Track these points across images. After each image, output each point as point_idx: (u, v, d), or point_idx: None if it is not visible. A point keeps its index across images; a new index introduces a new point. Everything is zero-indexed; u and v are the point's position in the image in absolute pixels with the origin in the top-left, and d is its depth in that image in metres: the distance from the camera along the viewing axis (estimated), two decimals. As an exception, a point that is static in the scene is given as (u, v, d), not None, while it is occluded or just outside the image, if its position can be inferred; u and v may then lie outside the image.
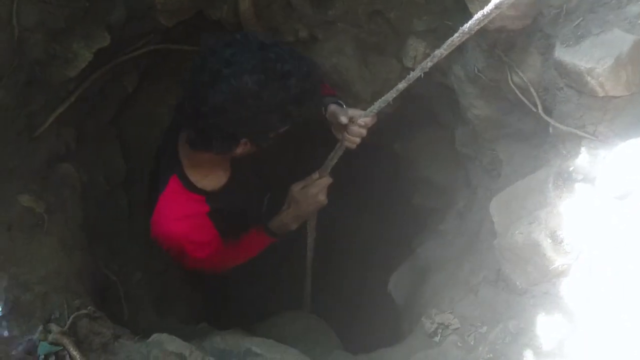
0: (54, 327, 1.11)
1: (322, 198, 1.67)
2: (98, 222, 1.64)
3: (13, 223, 1.29)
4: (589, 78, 1.09)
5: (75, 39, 1.43)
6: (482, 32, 1.35)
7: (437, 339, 1.46)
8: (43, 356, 1.01)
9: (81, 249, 1.45)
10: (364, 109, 1.49)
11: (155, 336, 1.31)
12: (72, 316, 1.15)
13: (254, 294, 2.23)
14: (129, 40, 1.72)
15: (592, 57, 1.08)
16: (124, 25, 1.58)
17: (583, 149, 1.17)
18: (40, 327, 1.06)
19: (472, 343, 1.33)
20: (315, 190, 1.65)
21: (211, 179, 1.63)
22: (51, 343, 1.03)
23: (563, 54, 1.14)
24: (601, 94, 1.09)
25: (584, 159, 1.16)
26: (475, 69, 1.48)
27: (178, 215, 1.55)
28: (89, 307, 1.23)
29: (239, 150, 1.48)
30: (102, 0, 1.49)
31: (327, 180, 1.66)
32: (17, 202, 1.33)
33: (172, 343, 1.29)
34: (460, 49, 1.53)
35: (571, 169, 1.18)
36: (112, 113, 1.80)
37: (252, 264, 2.28)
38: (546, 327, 1.12)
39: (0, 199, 1.29)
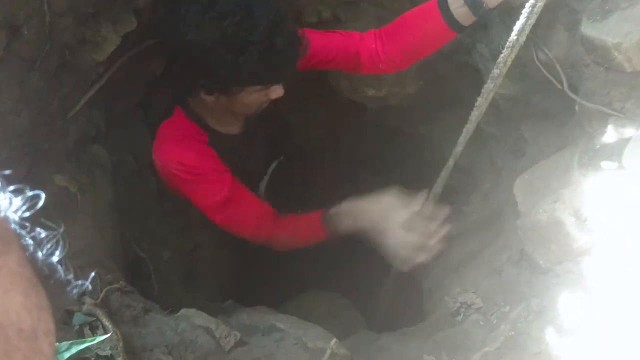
0: (87, 299, 1.17)
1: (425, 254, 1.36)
2: (128, 201, 1.69)
3: (49, 202, 1.34)
4: (616, 53, 1.06)
5: (104, 24, 1.46)
6: (506, 9, 1.33)
7: (459, 318, 1.47)
8: (78, 326, 1.06)
9: (112, 227, 1.51)
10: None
11: (183, 310, 1.36)
12: (104, 290, 1.21)
13: (281, 274, 2.27)
14: (156, 23, 1.75)
15: (619, 31, 1.06)
16: (151, 9, 1.61)
17: (609, 127, 1.15)
18: (73, 281, 1.11)
19: (494, 322, 1.34)
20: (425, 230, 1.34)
21: (220, 123, 1.58)
22: (85, 314, 1.08)
23: (590, 29, 1.12)
24: (629, 69, 1.07)
25: (610, 137, 1.14)
26: (500, 47, 1.46)
27: (171, 135, 1.52)
28: (120, 282, 1.28)
29: (207, 98, 1.43)
30: (129, -16, 1.52)
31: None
32: (52, 181, 1.39)
33: (199, 317, 1.34)
34: (485, 26, 1.51)
35: (597, 147, 1.17)
36: (140, 95, 1.84)
37: None
38: (569, 305, 1.12)
39: (36, 178, 1.34)
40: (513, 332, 1.19)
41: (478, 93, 1.81)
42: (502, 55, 1.09)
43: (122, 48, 1.56)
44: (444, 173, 1.38)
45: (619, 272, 1.03)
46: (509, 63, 1.11)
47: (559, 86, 1.28)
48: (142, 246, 1.71)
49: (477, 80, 1.70)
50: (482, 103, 1.21)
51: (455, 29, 1.36)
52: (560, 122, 1.39)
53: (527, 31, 1.06)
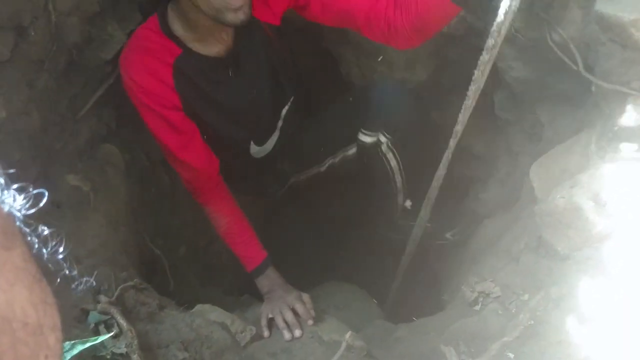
0: (102, 297, 1.17)
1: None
2: (142, 198, 1.70)
3: (62, 201, 1.36)
4: (633, 30, 1.02)
5: (109, 22, 1.46)
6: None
7: (477, 307, 1.45)
8: (93, 324, 1.07)
9: (126, 225, 1.52)
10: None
11: (198, 306, 1.37)
12: (119, 288, 1.21)
13: (297, 266, 2.27)
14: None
15: (636, 7, 1.01)
16: (155, 5, 1.60)
17: (628, 107, 1.11)
18: (77, 277, 1.12)
19: (513, 311, 1.31)
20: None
21: (200, 42, 1.42)
22: (100, 312, 1.09)
23: (605, 6, 1.08)
24: (647, 46, 1.03)
25: (629, 118, 1.10)
26: (513, 29, 1.42)
27: (137, 45, 1.41)
28: (135, 279, 1.29)
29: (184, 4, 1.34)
30: (133, -19, 1.52)
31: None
32: (65, 181, 1.40)
33: (214, 313, 1.35)
34: (496, 9, 1.47)
35: (615, 128, 1.12)
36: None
37: (296, 236, 2.30)
38: (589, 293, 1.09)
39: (49, 178, 1.35)
40: (532, 321, 1.17)
41: (490, 76, 1.77)
42: (495, 23, 1.05)
43: (129, 45, 1.56)
44: (447, 154, 1.35)
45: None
46: (503, 32, 1.06)
47: (574, 67, 1.23)
48: (157, 242, 1.72)
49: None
50: (479, 77, 1.17)
51: (458, 1, 1.33)
52: (577, 104, 1.35)
53: None
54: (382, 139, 1.72)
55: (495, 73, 1.68)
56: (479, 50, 1.67)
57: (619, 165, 1.10)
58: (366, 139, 1.73)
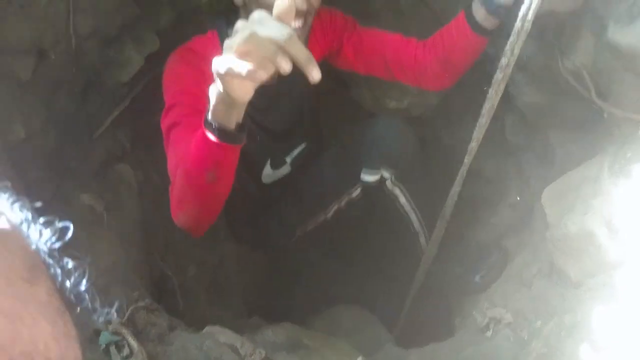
0: (114, 318, 1.17)
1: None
2: (153, 218, 1.71)
3: (76, 220, 1.37)
4: (645, 59, 1.03)
5: (127, 45, 1.50)
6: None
7: (489, 333, 1.43)
8: (104, 345, 1.07)
9: (138, 244, 1.53)
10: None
11: (208, 328, 1.36)
12: (130, 308, 1.21)
13: (306, 288, 2.26)
14: (177, 43, 1.78)
15: (648, 36, 1.02)
16: (172, 30, 1.64)
17: (641, 134, 1.11)
18: (99, 310, 1.12)
19: (525, 338, 1.30)
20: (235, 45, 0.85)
21: None
22: (111, 333, 1.09)
23: (617, 34, 1.08)
24: (659, 75, 1.03)
25: (642, 145, 1.10)
26: (524, 56, 1.43)
27: (192, 44, 1.39)
28: (146, 299, 1.29)
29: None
30: (152, 6, 1.56)
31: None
32: (80, 200, 1.42)
33: (224, 334, 1.34)
34: (508, 34, 1.49)
35: (628, 155, 1.12)
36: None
37: (305, 256, 2.26)
38: (604, 320, 1.07)
39: (64, 197, 1.37)
40: (545, 349, 1.15)
41: (502, 100, 1.78)
42: (509, 42, 1.07)
43: (146, 68, 1.59)
44: (462, 171, 1.36)
45: (656, 286, 0.99)
46: (516, 51, 1.08)
47: (586, 94, 1.24)
48: (168, 262, 1.73)
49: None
50: (493, 95, 1.18)
51: (479, 31, 1.36)
52: (589, 130, 1.35)
53: (531, 17, 1.03)
54: (386, 174, 1.66)
55: (506, 98, 1.69)
56: (491, 76, 1.69)
57: (631, 192, 1.09)
58: (369, 177, 1.67)
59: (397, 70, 1.54)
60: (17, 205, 0.38)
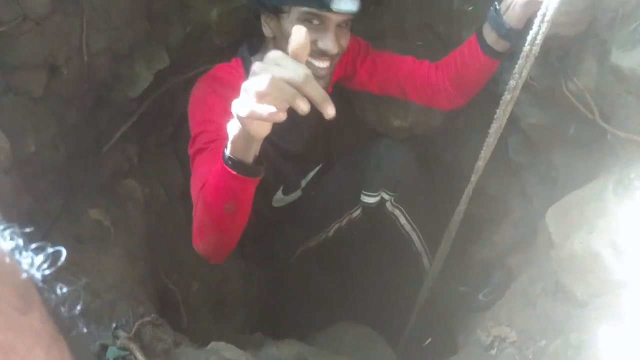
0: (121, 332, 1.18)
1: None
2: (158, 232, 1.71)
3: (84, 235, 1.38)
4: (649, 82, 1.05)
5: (137, 61, 1.52)
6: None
7: (493, 352, 1.43)
8: (112, 360, 1.07)
9: (144, 259, 1.53)
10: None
11: (213, 344, 1.36)
12: (137, 323, 1.21)
13: (310, 305, 2.25)
14: (185, 60, 1.81)
15: (651, 61, 1.05)
16: (181, 47, 1.67)
17: (645, 156, 1.13)
18: (110, 332, 1.13)
19: (530, 357, 1.30)
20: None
21: None
22: (119, 348, 1.09)
23: (620, 58, 1.11)
24: (662, 98, 1.06)
25: (646, 166, 1.12)
26: (529, 77, 1.46)
27: (217, 73, 1.41)
28: (152, 315, 1.29)
29: (266, 31, 1.36)
30: (162, 23, 1.59)
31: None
32: (87, 215, 1.43)
33: (229, 351, 1.34)
34: (512, 56, 1.52)
35: (632, 175, 1.14)
36: (171, 129, 1.89)
37: (308, 274, 2.26)
38: (610, 340, 1.08)
39: (72, 212, 1.38)
40: (551, 368, 1.15)
41: (506, 122, 1.80)
42: (517, 65, 1.09)
43: (155, 84, 1.61)
44: (468, 189, 1.37)
45: (662, 306, 1.00)
46: (524, 74, 1.11)
47: (589, 116, 1.26)
48: (172, 277, 1.73)
49: (504, 109, 1.69)
50: (500, 115, 1.20)
51: (490, 54, 1.40)
52: (592, 151, 1.37)
53: (539, 40, 1.06)
54: (386, 196, 1.68)
55: (510, 118, 1.71)
56: (494, 95, 1.72)
57: (636, 213, 1.11)
58: (368, 199, 1.69)
59: (410, 91, 1.58)
60: (7, 233, 0.38)
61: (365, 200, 1.69)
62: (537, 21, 1.08)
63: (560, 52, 1.32)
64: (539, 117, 1.51)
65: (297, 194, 1.82)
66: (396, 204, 1.69)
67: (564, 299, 1.26)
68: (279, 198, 1.78)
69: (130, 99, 1.57)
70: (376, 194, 1.67)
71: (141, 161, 1.71)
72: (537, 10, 1.11)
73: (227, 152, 1.01)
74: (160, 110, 1.81)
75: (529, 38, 1.07)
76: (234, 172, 1.02)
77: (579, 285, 1.19)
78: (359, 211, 1.77)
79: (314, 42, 1.29)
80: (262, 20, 1.37)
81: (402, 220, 1.72)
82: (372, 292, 2.21)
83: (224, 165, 1.02)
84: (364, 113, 2.15)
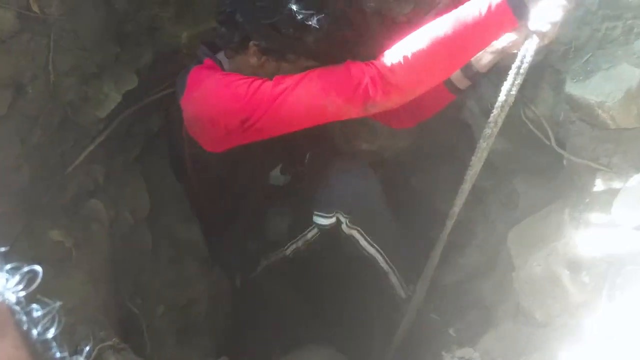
0: (79, 358, 1.14)
1: None
2: (123, 256, 1.68)
3: (43, 257, 1.34)
4: (599, 111, 1.11)
5: (106, 82, 1.51)
6: (495, 69, 1.40)
7: (458, 374, 1.45)
8: (70, 386, 1.03)
9: (107, 283, 1.49)
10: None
11: (177, 369, 1.33)
12: (97, 347, 1.18)
13: (275, 328, 2.23)
14: (154, 81, 1.81)
15: (602, 91, 1.11)
16: (151, 68, 1.66)
17: (598, 181, 1.18)
18: (67, 358, 1.09)
19: (493, 378, 1.32)
20: None
21: None
22: (78, 373, 1.06)
23: (574, 88, 1.17)
24: (613, 126, 1.12)
25: (599, 191, 1.17)
26: (489, 105, 1.52)
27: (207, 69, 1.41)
28: (113, 339, 1.26)
29: (252, 59, 1.35)
30: (132, 45, 1.58)
31: None
32: (48, 236, 1.39)
33: (193, 376, 1.31)
34: (474, 85, 1.58)
35: (587, 200, 1.19)
36: (138, 151, 1.87)
37: (270, 298, 2.25)
38: (569, 360, 1.11)
39: (32, 233, 1.34)
40: (513, 389, 1.17)
41: (469, 146, 1.86)
42: (492, 115, 1.14)
43: (122, 105, 1.60)
44: (443, 234, 1.39)
45: (616, 325, 1.04)
46: (499, 123, 1.16)
47: (546, 142, 1.32)
48: (136, 301, 1.69)
49: (468, 134, 1.75)
50: (475, 162, 1.24)
51: (452, 90, 1.47)
52: (551, 176, 1.43)
53: (514, 92, 1.11)
54: (341, 218, 1.65)
55: (473, 144, 1.77)
56: (458, 121, 1.78)
57: (591, 235, 1.16)
58: (323, 221, 1.66)
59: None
60: None
61: (319, 222, 1.67)
62: (512, 73, 1.13)
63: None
64: (501, 144, 1.56)
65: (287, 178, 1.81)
66: (353, 226, 1.66)
67: (525, 321, 1.29)
68: (276, 175, 1.75)
69: (98, 120, 1.55)
70: (330, 215, 1.64)
71: (107, 182, 1.68)
72: (505, 59, 1.17)
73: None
74: (129, 131, 1.79)
75: (503, 89, 1.12)
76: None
77: (538, 306, 1.22)
78: (314, 232, 1.75)
79: None
80: (252, 49, 1.35)
81: (363, 242, 1.69)
82: (338, 313, 2.21)
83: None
84: (332, 134, 2.18)
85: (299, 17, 1.21)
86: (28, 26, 1.24)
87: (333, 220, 1.64)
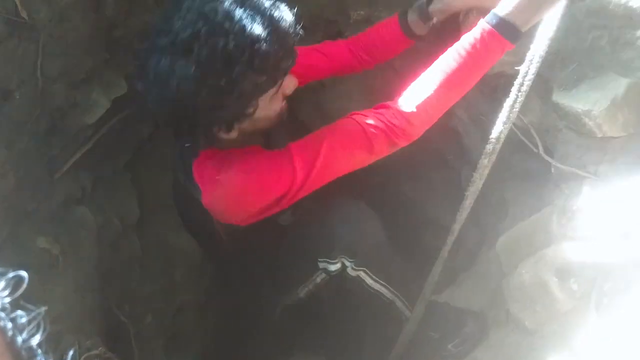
0: (65, 367, 1.12)
1: None
2: (111, 263, 1.66)
3: (29, 264, 1.32)
4: (586, 120, 1.12)
5: (95, 88, 1.50)
6: (483, 77, 1.40)
7: (448, 381, 1.44)
8: (54, 396, 1.02)
9: (94, 290, 1.48)
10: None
11: (165, 378, 1.32)
12: (83, 356, 1.17)
13: (265, 337, 2.21)
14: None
15: (588, 99, 1.12)
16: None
17: (585, 188, 1.19)
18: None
19: (483, 385, 1.32)
20: None
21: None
22: (62, 383, 1.04)
23: (561, 97, 1.18)
24: (599, 134, 1.13)
25: (586, 198, 1.18)
26: (479, 113, 1.53)
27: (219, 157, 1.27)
28: (100, 348, 1.24)
29: (232, 134, 1.21)
30: (121, 51, 1.58)
31: None
32: (35, 243, 1.37)
33: (181, 385, 1.30)
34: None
35: (574, 207, 1.20)
36: (128, 157, 1.86)
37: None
38: (556, 367, 1.11)
39: (19, 240, 1.33)
40: (503, 396, 1.17)
41: (459, 153, 1.86)
42: (495, 131, 1.14)
43: (112, 111, 1.59)
44: (443, 250, 1.40)
45: (604, 331, 1.04)
46: (502, 139, 1.16)
47: (534, 149, 1.33)
48: (124, 309, 1.67)
49: (458, 140, 1.75)
50: (477, 179, 1.24)
51: (407, 34, 1.49)
52: (539, 183, 1.44)
53: (517, 108, 1.12)
54: (347, 262, 1.61)
55: (464, 152, 1.78)
56: (448, 128, 1.78)
57: (579, 242, 1.16)
58: (329, 266, 1.63)
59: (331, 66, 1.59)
60: None
61: (325, 267, 1.65)
62: (514, 90, 1.13)
63: (506, 89, 1.39)
64: (489, 151, 1.57)
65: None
66: (358, 268, 1.64)
67: (514, 327, 1.29)
68: (286, 217, 1.72)
69: (87, 126, 1.54)
70: (335, 261, 1.62)
71: (96, 189, 1.67)
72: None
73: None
74: (117, 137, 1.78)
75: (505, 105, 1.12)
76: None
77: (527, 313, 1.23)
78: (322, 276, 1.73)
79: (282, 95, 1.25)
80: (221, 132, 1.20)
81: (369, 280, 1.67)
82: (331, 325, 2.20)
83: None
84: (310, 122, 2.17)
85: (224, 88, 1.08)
86: (16, 32, 1.23)
87: (338, 265, 1.62)
